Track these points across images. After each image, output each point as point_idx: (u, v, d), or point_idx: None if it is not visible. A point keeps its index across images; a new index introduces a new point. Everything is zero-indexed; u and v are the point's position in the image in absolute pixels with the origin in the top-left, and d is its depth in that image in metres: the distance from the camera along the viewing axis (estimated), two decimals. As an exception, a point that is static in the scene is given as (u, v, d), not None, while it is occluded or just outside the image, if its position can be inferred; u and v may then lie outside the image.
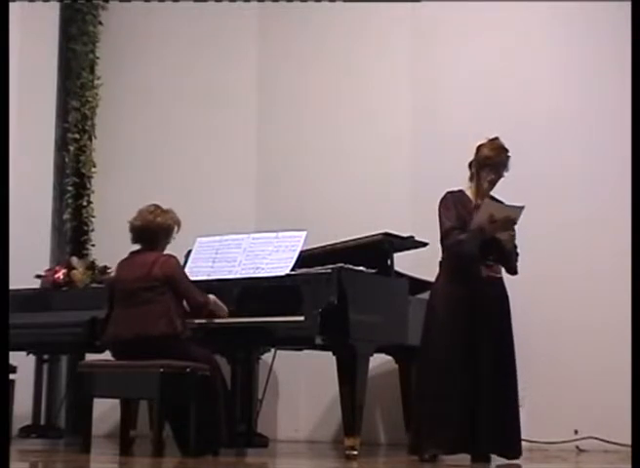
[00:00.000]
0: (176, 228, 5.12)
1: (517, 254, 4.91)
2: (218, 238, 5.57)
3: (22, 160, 6.67)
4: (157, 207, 5.11)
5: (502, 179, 4.89)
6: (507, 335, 4.82)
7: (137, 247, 5.11)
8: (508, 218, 4.69)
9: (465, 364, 4.68)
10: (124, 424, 5.13)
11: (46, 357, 6.52)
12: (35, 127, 7.28)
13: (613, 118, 6.21)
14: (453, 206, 4.81)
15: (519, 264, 4.95)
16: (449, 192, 4.89)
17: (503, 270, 4.91)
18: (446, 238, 4.80)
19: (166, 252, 5.10)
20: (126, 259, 5.09)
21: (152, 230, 5.04)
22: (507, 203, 4.80)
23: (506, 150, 4.83)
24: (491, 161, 4.80)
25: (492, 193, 4.91)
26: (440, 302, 4.82)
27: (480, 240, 4.73)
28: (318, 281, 4.96)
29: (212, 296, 5.05)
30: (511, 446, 4.75)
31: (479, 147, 4.83)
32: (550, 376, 6.16)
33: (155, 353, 4.73)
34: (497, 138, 4.84)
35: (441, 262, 4.90)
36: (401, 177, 6.76)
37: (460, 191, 4.90)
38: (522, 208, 4.71)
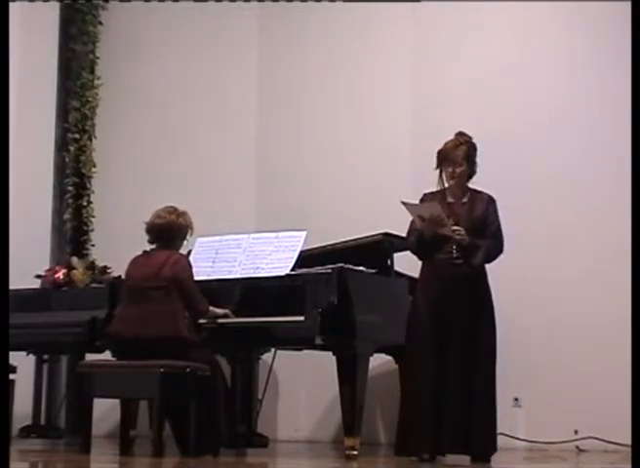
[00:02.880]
0: (190, 232, 5.14)
1: (501, 249, 4.84)
2: (218, 238, 5.57)
3: (22, 160, 6.66)
4: (175, 208, 5.11)
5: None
6: (484, 334, 4.73)
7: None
8: (432, 216, 4.70)
9: (434, 364, 4.67)
10: (124, 424, 5.13)
11: (46, 357, 6.51)
12: (35, 127, 7.28)
13: (613, 117, 6.21)
14: None
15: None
16: (425, 194, 4.95)
17: (488, 267, 4.86)
18: (406, 241, 4.92)
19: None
20: (139, 257, 5.09)
21: (173, 230, 5.04)
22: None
23: (467, 142, 4.84)
24: (444, 156, 4.84)
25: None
26: (416, 302, 4.86)
27: (417, 241, 4.78)
28: (318, 281, 4.96)
29: (211, 309, 5.06)
30: (475, 445, 4.67)
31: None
32: (550, 376, 6.16)
33: (155, 354, 4.73)
34: (457, 133, 4.89)
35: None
36: (401, 177, 6.76)
37: (438, 191, 4.92)
38: (435, 203, 4.74)
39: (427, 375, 4.68)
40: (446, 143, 4.87)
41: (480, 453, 4.70)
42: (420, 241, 4.78)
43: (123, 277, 5.62)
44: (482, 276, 4.83)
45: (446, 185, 4.87)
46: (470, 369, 4.68)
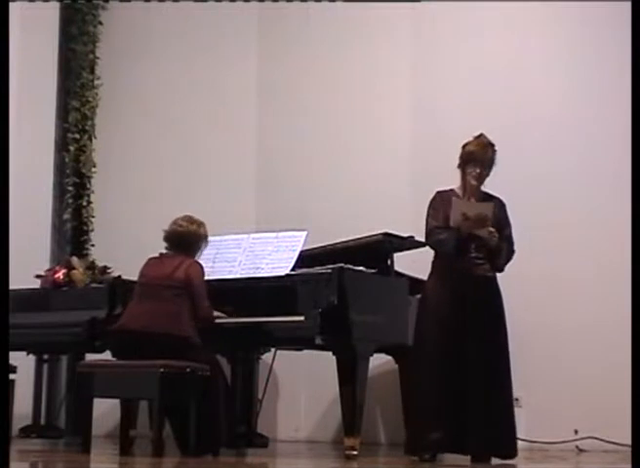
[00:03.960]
0: (205, 243, 5.21)
1: (513, 252, 4.89)
2: (218, 238, 5.57)
3: (22, 160, 6.66)
4: (194, 218, 5.17)
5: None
6: (498, 335, 4.77)
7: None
8: (480, 215, 4.69)
9: (452, 364, 4.67)
10: (124, 424, 5.13)
11: (46, 357, 6.52)
12: (35, 127, 7.28)
13: (613, 117, 6.21)
14: (441, 206, 4.82)
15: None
16: (438, 192, 4.92)
17: None
18: (428, 238, 4.87)
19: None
20: (154, 258, 5.13)
21: (193, 239, 5.12)
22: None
23: (492, 145, 4.85)
24: (473, 156, 4.81)
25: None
26: (430, 301, 4.84)
27: (456, 238, 4.73)
28: (318, 281, 4.96)
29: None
30: (502, 445, 4.71)
31: (465, 145, 4.86)
32: (550, 376, 6.16)
33: (157, 350, 4.73)
34: (481, 135, 4.87)
35: (432, 261, 4.92)
36: (401, 178, 6.76)
37: (452, 190, 4.91)
38: (492, 204, 4.75)
39: (447, 374, 4.66)
40: (472, 144, 4.83)
41: (510, 454, 4.72)
42: (457, 239, 4.75)
43: (124, 277, 5.64)
44: (495, 276, 4.87)
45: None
46: (490, 368, 4.69)
